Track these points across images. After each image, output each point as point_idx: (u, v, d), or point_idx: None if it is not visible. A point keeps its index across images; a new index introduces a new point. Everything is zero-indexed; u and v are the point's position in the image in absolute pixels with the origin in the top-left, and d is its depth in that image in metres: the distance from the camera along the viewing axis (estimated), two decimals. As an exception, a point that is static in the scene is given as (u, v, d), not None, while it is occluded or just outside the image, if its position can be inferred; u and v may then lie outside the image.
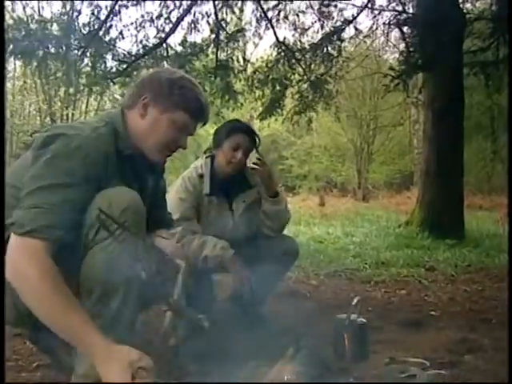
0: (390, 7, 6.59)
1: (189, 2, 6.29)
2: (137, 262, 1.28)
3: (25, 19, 6.99)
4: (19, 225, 1.15)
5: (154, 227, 1.52)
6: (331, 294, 3.05)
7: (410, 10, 6.45)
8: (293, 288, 3.15)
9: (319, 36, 6.71)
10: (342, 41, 6.74)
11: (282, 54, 6.63)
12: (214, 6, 6.28)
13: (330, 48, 6.53)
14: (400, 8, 6.40)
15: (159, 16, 6.35)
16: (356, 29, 6.97)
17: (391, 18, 6.21)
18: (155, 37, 6.40)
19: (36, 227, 1.14)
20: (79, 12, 6.27)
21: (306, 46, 6.73)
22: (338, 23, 6.62)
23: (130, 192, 1.30)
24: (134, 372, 1.11)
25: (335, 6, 6.64)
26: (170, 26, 6.27)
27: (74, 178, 1.20)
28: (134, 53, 6.29)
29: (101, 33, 6.06)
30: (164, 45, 6.27)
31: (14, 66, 16.92)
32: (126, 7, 6.23)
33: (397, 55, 7.51)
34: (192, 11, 6.37)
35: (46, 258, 1.16)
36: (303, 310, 2.61)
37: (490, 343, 1.88)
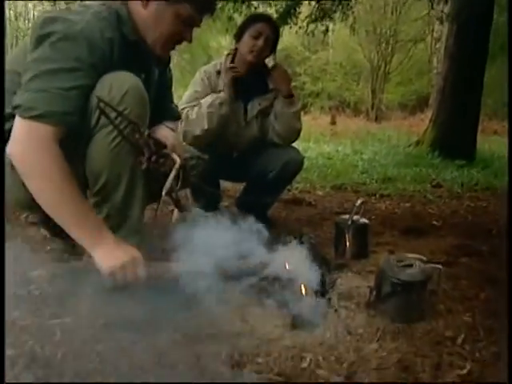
0: None
1: None
2: (138, 150, 1.28)
3: None
4: (26, 108, 1.14)
5: (160, 119, 1.50)
6: (336, 204, 3.10)
7: None
8: (298, 197, 3.20)
9: None
10: None
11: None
12: None
13: None
14: None
15: None
16: None
17: None
18: None
19: (45, 112, 1.13)
20: None
21: None
22: None
23: (132, 77, 1.27)
24: (129, 272, 1.16)
25: None
26: None
27: (80, 63, 1.17)
28: None
29: None
30: None
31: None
32: None
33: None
34: None
35: (55, 145, 1.16)
36: (307, 215, 2.67)
37: (487, 249, 1.93)
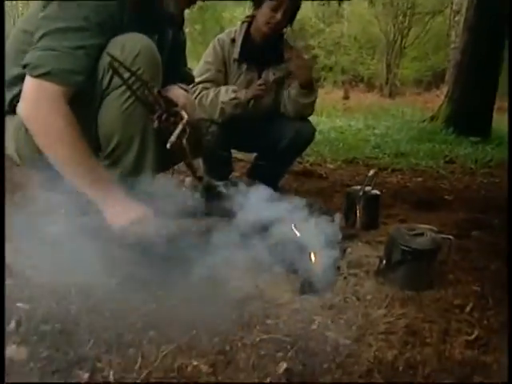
0: None
1: None
2: (150, 110, 1.28)
3: None
4: (35, 66, 1.14)
5: (173, 82, 1.49)
6: (347, 177, 3.08)
7: None
8: (309, 169, 3.18)
9: None
10: None
11: None
12: None
13: None
14: None
15: None
16: None
17: None
18: None
19: (52, 70, 1.13)
20: None
21: None
22: None
23: (144, 38, 1.25)
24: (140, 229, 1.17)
25: None
26: None
27: (88, 22, 1.16)
28: None
29: None
30: None
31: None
32: None
33: None
34: None
35: (64, 103, 1.16)
36: (318, 187, 2.66)
37: (498, 223, 1.92)
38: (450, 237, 1.34)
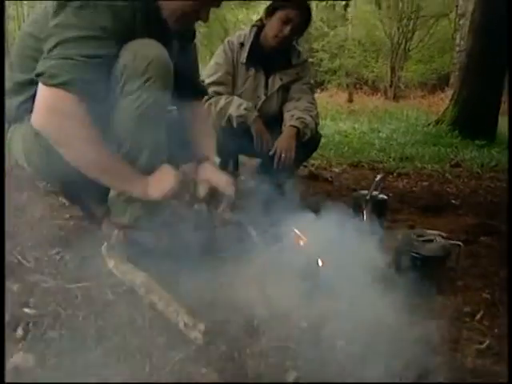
0: None
1: None
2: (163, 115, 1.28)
3: None
4: (51, 75, 1.12)
5: (186, 94, 1.48)
6: (353, 181, 3.07)
7: None
8: (315, 173, 3.17)
9: None
10: None
11: None
12: None
13: None
14: None
15: None
16: None
17: None
18: None
19: (71, 79, 1.12)
20: None
21: None
22: None
23: (157, 46, 1.25)
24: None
25: None
26: None
27: (104, 31, 1.15)
28: None
29: None
30: None
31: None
32: None
33: None
34: None
35: (83, 112, 1.15)
36: (324, 191, 2.65)
37: (507, 228, 1.90)
38: (459, 243, 1.33)
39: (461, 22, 13.77)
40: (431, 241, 1.22)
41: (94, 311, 1.02)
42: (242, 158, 2.58)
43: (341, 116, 8.71)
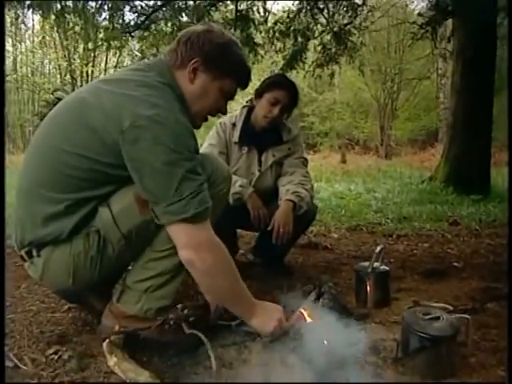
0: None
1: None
2: None
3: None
4: (177, 213, 1.15)
5: None
6: (353, 247, 3.05)
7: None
8: (314, 241, 3.16)
9: (343, -16, 6.38)
10: (367, -12, 6.40)
11: (304, 3, 6.35)
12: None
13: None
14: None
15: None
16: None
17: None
18: (173, -12, 6.19)
19: (202, 210, 1.17)
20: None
21: (329, -6, 6.43)
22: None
23: (224, 163, 1.52)
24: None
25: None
26: (188, -24, 6.05)
27: (192, 151, 1.20)
28: (151, 4, 6.12)
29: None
30: (182, -4, 6.07)
31: (32, 21, 17.00)
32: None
33: (424, 4, 7.09)
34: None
35: (214, 235, 1.23)
36: (325, 260, 2.63)
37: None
38: (467, 316, 1.30)
39: (442, 82, 14.46)
40: (438, 318, 1.19)
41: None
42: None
43: (335, 177, 8.86)
